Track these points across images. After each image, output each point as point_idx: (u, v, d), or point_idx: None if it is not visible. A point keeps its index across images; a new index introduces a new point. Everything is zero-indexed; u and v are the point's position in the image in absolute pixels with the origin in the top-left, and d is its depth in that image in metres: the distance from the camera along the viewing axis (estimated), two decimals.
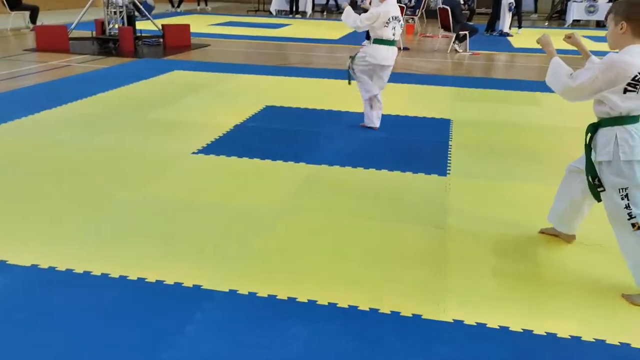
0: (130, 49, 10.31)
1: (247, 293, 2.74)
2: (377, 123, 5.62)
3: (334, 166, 4.53)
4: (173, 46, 10.89)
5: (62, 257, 3.01)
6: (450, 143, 5.23)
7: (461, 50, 11.36)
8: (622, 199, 2.74)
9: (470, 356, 2.35)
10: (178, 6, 19.52)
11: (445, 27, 11.47)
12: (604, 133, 2.77)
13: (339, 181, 4.25)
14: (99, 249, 3.12)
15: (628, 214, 2.74)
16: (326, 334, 2.46)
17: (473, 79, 8.69)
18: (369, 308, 2.65)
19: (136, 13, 11.46)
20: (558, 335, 2.49)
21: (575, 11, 17.90)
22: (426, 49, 11.87)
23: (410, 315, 2.61)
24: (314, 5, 19.72)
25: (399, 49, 11.15)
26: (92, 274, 2.86)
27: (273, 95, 6.94)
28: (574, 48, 3.11)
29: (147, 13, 12.08)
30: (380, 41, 5.31)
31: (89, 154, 4.67)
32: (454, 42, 11.40)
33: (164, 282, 2.81)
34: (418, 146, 5.16)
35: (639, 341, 2.47)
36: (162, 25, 11.06)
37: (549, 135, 5.61)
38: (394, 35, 5.33)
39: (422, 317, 2.60)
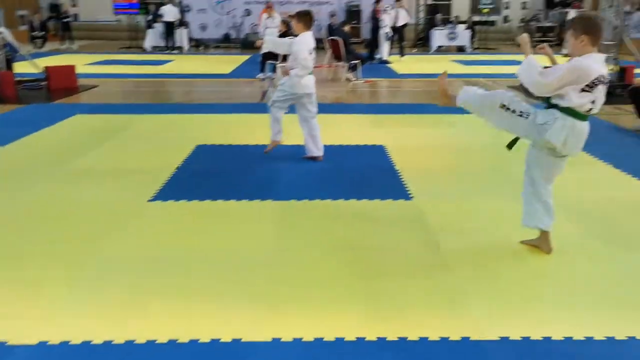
0: (12, 94, 9.49)
1: (292, 339, 2.64)
2: (319, 152, 5.65)
3: (303, 200, 4.50)
4: (58, 89, 10.18)
5: (73, 329, 2.69)
6: (396, 168, 5.40)
7: (354, 79, 11.79)
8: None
9: None
10: (42, 46, 18.32)
11: (337, 58, 11.87)
12: (560, 119, 3.25)
13: (317, 214, 4.23)
14: (117, 314, 2.83)
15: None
16: None
17: (381, 105, 9.09)
18: (419, 337, 2.66)
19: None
20: (595, 338, 2.67)
21: (438, 38, 19.37)
22: (320, 79, 12.14)
23: (459, 339, 2.66)
24: (189, 40, 19.45)
25: None
26: (135, 342, 2.59)
27: (198, 134, 6.74)
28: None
29: (22, 54, 11.20)
30: None
31: (33, 212, 4.24)
32: (347, 72, 11.81)
33: (220, 340, 2.61)
34: (368, 173, 5.28)
35: None
36: (46, 67, 10.31)
37: (480, 154, 5.98)
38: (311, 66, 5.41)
39: (470, 339, 2.66)
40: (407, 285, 3.16)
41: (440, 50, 19.53)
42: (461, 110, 8.26)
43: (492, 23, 22.25)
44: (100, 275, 3.26)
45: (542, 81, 3.21)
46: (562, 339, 2.67)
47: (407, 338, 2.65)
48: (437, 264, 3.42)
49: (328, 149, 5.97)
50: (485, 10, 20.01)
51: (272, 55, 12.15)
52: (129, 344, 2.59)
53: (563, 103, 3.24)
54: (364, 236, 3.84)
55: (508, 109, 3.43)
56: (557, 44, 22.15)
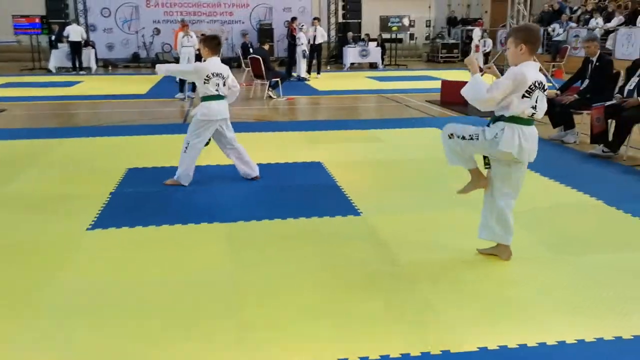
0: None
1: None
2: (256, 171, 5.56)
3: (251, 221, 4.38)
4: None
5: None
6: (338, 184, 5.39)
7: (275, 97, 11.77)
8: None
9: None
10: None
11: (258, 76, 11.80)
12: (508, 128, 3.37)
13: (269, 234, 4.12)
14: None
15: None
16: None
17: (307, 122, 9.07)
18: (400, 354, 2.63)
19: None
20: (567, 342, 2.75)
21: (351, 55, 19.80)
22: (241, 98, 12.04)
23: (440, 353, 2.65)
24: (97, 60, 18.71)
25: None
26: None
27: (125, 157, 6.44)
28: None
29: None
30: (207, 97, 5.20)
31: None
32: (268, 89, 11.78)
33: None
34: (312, 191, 5.23)
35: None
36: None
37: (413, 168, 6.08)
38: (217, 90, 5.19)
39: (451, 351, 2.67)
40: (375, 301, 3.13)
41: (353, 67, 19.99)
42: (386, 126, 8.46)
43: (400, 40, 23.04)
44: (53, 321, 2.99)
45: (489, 97, 3.31)
46: (537, 344, 2.72)
47: (389, 355, 2.62)
48: (400, 278, 3.42)
49: (265, 167, 5.90)
50: (395, 28, 20.70)
51: None
52: None
53: (507, 112, 3.35)
54: (321, 254, 3.77)
55: (458, 136, 3.50)
56: (460, 60, 23.33)
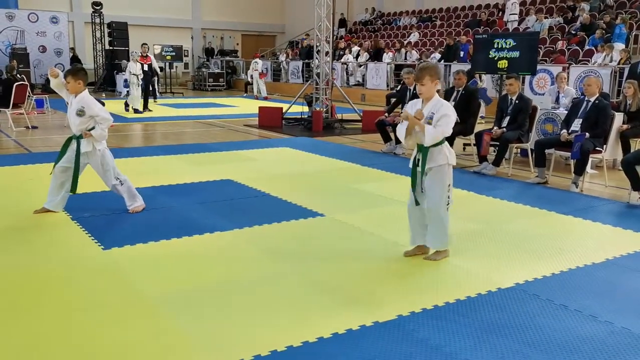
0: None
1: None
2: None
3: (234, 230, 4.81)
4: None
5: None
6: (273, 195, 6.04)
7: None
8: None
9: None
10: None
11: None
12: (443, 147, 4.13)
13: (274, 237, 4.66)
14: None
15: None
16: None
17: (161, 147, 9.25)
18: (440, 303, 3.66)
19: None
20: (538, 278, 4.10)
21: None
22: (54, 127, 11.42)
23: (476, 295, 3.75)
24: None
25: (27, 127, 10.63)
26: None
27: (17, 190, 6.11)
28: None
29: None
30: None
31: None
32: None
33: None
34: (259, 201, 5.81)
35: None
36: None
37: (313, 178, 7.04)
38: None
39: (482, 293, 3.79)
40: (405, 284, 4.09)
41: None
42: (243, 147, 9.18)
43: (161, 69, 23.40)
44: (188, 312, 3.27)
45: (447, 131, 4.01)
46: (523, 282, 3.97)
47: (438, 305, 3.53)
48: (407, 264, 4.40)
49: (181, 187, 6.28)
50: (169, 57, 21.08)
51: None
52: None
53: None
54: (332, 247, 4.48)
55: (447, 203, 4.19)
56: (226, 88, 24.70)
